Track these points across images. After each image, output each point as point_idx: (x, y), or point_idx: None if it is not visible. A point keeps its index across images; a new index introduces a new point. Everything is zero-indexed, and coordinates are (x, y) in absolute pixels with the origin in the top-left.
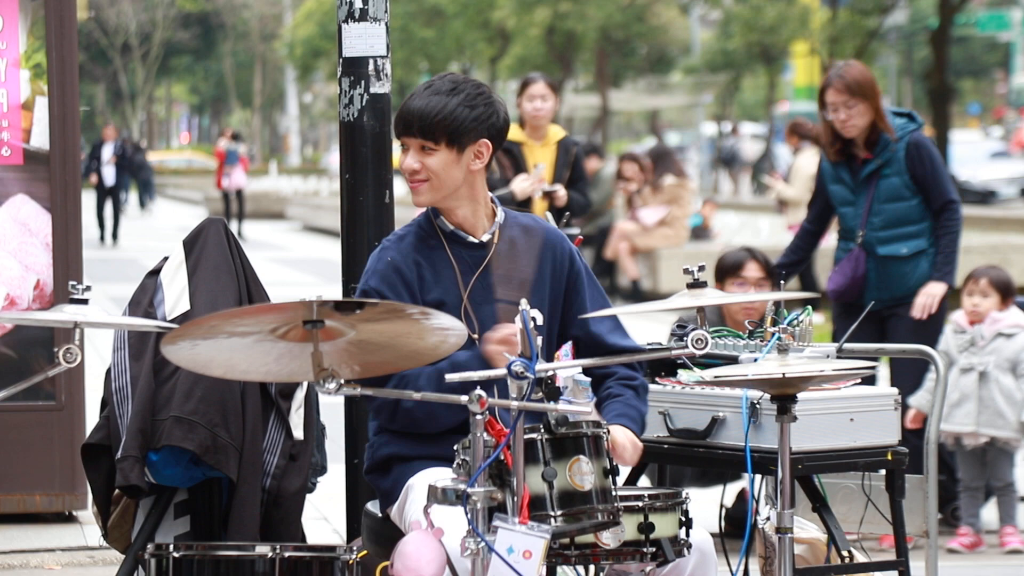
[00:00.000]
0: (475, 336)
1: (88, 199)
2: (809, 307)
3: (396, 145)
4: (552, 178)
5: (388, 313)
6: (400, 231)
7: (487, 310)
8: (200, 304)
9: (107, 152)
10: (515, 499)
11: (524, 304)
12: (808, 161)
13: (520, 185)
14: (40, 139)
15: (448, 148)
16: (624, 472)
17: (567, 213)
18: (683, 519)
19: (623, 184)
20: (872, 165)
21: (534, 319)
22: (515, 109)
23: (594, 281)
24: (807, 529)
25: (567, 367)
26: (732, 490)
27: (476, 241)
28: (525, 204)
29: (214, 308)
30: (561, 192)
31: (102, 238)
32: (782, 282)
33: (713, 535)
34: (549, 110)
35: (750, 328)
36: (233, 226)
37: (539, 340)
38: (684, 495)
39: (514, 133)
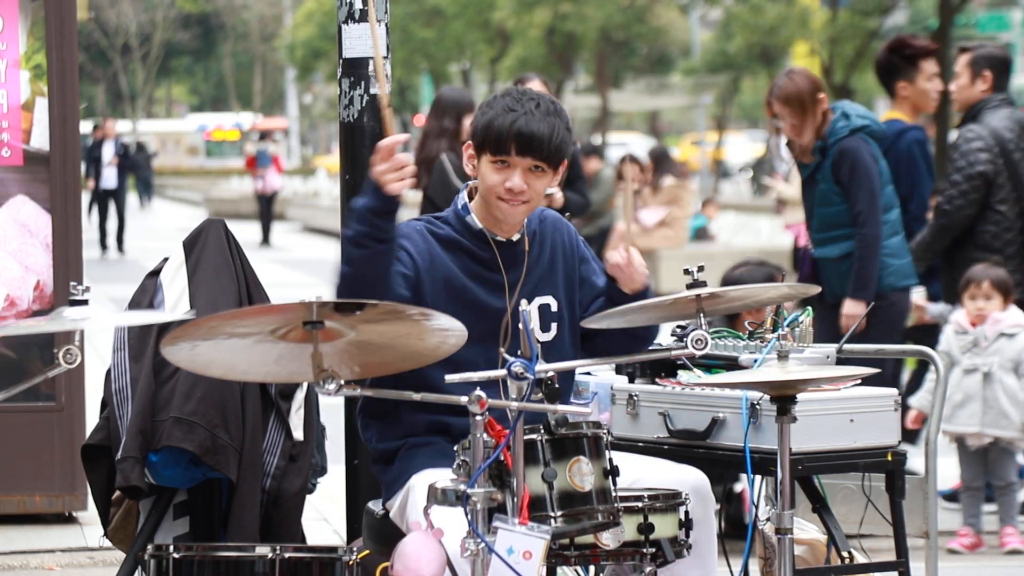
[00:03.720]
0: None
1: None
2: (809, 307)
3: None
4: None
5: (388, 314)
6: (437, 224)
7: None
8: (200, 305)
9: (108, 152)
10: (515, 500)
11: (524, 304)
12: None
13: None
14: (40, 140)
15: (554, 170)
16: (624, 473)
17: (566, 213)
18: (683, 520)
19: (624, 185)
20: (807, 171)
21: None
22: None
23: (593, 255)
24: (807, 530)
25: (567, 367)
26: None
27: (506, 240)
28: None
29: (214, 309)
30: (558, 195)
31: (104, 247)
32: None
33: None
34: None
35: (750, 329)
36: (255, 232)
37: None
38: (684, 496)
39: None
